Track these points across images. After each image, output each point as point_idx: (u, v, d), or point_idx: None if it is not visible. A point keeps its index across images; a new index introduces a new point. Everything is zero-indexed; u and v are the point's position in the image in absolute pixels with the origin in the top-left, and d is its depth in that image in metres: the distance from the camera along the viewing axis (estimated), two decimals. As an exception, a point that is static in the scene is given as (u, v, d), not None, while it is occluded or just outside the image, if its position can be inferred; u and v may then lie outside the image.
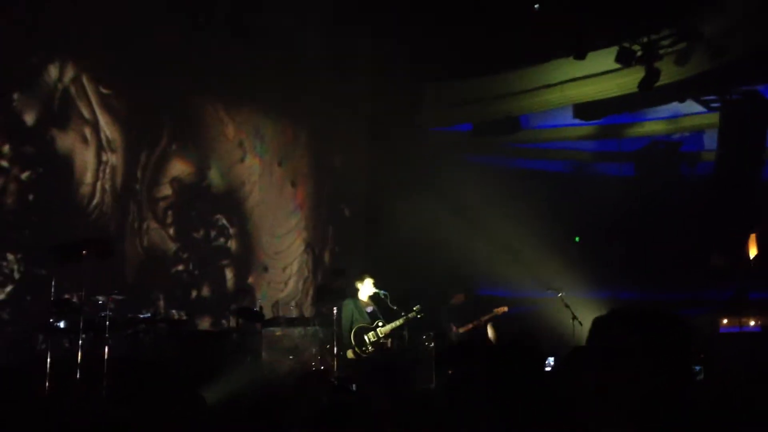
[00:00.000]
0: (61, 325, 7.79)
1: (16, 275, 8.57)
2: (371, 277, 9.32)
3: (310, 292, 12.61)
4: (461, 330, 10.85)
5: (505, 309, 10.87)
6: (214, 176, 11.34)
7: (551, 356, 7.85)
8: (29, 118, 8.88)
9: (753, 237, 13.36)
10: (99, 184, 9.62)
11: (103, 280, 8.35)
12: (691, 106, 12.81)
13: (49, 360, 7.27)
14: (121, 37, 9.86)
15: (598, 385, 2.17)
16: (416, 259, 12.26)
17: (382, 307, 9.30)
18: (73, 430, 5.75)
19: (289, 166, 12.74)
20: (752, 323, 12.71)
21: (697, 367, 8.87)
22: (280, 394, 7.16)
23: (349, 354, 8.96)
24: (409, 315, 9.01)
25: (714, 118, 12.46)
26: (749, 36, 9.98)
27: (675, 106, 12.82)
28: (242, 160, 11.86)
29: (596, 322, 2.24)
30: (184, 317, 9.09)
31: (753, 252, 13.42)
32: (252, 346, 9.48)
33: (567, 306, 10.34)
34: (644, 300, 13.67)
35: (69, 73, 9.35)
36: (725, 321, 12.75)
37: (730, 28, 9.99)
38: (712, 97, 12.36)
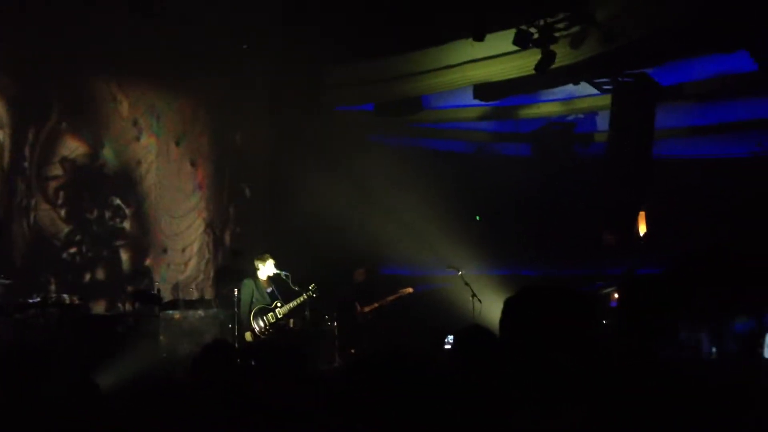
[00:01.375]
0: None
1: None
2: (272, 257, 9.25)
3: (211, 274, 12.39)
4: (366, 309, 10.91)
5: (410, 290, 11.02)
6: (107, 155, 10.96)
7: (450, 335, 7.98)
8: None
9: (642, 215, 13.93)
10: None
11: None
12: (585, 88, 13.17)
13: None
14: (7, 8, 9.36)
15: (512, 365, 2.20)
16: (319, 240, 12.21)
17: (283, 288, 9.26)
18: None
19: (187, 145, 12.43)
20: (641, 297, 13.26)
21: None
22: (179, 377, 7.03)
23: (247, 336, 8.90)
24: (306, 294, 9.01)
25: (606, 99, 12.84)
26: (640, 20, 10.30)
27: (570, 88, 13.15)
28: (138, 138, 11.50)
29: (508, 302, 2.27)
30: (77, 301, 8.79)
31: (642, 229, 14.00)
32: (149, 330, 9.25)
33: (467, 284, 10.54)
34: (543, 276, 14.09)
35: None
36: (616, 295, 13.24)
37: (621, 12, 10.30)
38: (604, 80, 12.73)
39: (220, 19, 11.89)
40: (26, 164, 9.76)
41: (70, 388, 4.88)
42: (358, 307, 10.98)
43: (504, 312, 2.30)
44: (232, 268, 10.83)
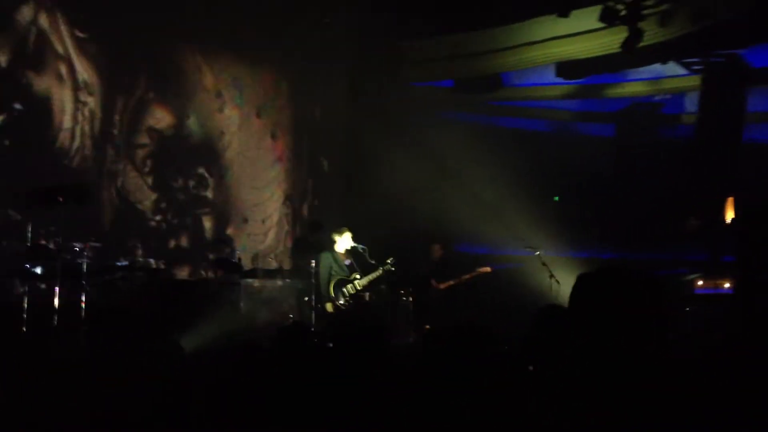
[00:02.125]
0: (38, 270, 7.74)
1: (-8, 220, 8.48)
2: (350, 230, 9.34)
3: (289, 245, 12.60)
4: (442, 286, 10.91)
5: (489, 269, 10.95)
6: (192, 126, 11.22)
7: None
8: (2, 60, 8.69)
9: (730, 201, 13.49)
10: (78, 128, 9.50)
11: (80, 226, 8.29)
12: (673, 68, 12.79)
13: (26, 305, 7.24)
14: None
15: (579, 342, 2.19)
16: (395, 214, 12.26)
17: (359, 261, 9.34)
18: (50, 374, 5.75)
19: (268, 118, 12.64)
20: (726, 285, 12.89)
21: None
22: (258, 344, 7.20)
23: (328, 307, 9.01)
24: (383, 268, 9.07)
25: (696, 80, 12.46)
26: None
27: (657, 68, 12.78)
28: (221, 110, 11.74)
29: (580, 279, 2.25)
30: (162, 266, 9.07)
31: (729, 216, 13.56)
32: (230, 297, 9.49)
33: (544, 264, 10.42)
34: (622, 259, 13.81)
35: (43, 15, 9.14)
36: (701, 282, 12.92)
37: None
38: (694, 60, 12.34)
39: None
40: (115, 131, 10.07)
41: (156, 348, 5.05)
42: (434, 283, 10.99)
43: (576, 286, 2.29)
44: (309, 240, 10.99)
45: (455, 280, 10.92)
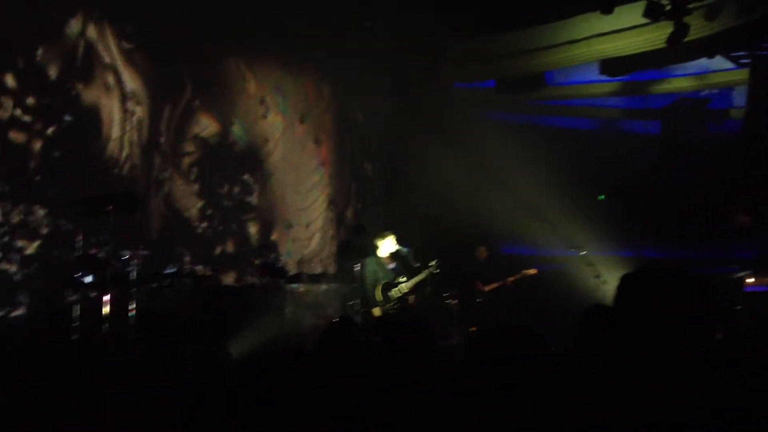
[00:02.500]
0: (88, 279, 7.89)
1: (44, 230, 8.67)
2: (393, 234, 9.35)
3: (334, 249, 12.66)
4: (487, 288, 10.88)
5: (535, 271, 10.91)
6: (237, 132, 11.35)
7: None
8: (53, 72, 8.89)
9: (781, 196, 13.18)
10: (126, 137, 9.68)
11: (128, 235, 8.44)
12: (719, 62, 12.57)
13: (76, 314, 7.39)
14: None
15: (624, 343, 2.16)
16: (439, 217, 12.26)
17: (404, 265, 9.35)
18: (101, 379, 5.88)
19: (311, 123, 12.73)
20: (778, 283, 12.59)
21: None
22: (304, 348, 7.26)
23: (376, 311, 9.02)
24: (427, 270, 9.06)
25: (743, 74, 12.23)
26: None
27: (703, 62, 12.58)
28: (264, 116, 11.86)
29: (625, 279, 2.23)
30: (209, 273, 9.18)
31: (780, 211, 13.24)
32: (275, 302, 9.57)
33: (590, 264, 10.31)
34: (668, 258, 13.60)
35: (91, 27, 9.34)
36: (750, 280, 12.65)
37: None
38: (742, 53, 12.11)
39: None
40: (162, 139, 10.22)
41: (203, 353, 5.12)
42: (479, 285, 10.96)
43: (619, 288, 2.27)
44: (354, 244, 11.03)
45: (500, 283, 10.89)
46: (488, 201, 12.97)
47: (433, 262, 9.09)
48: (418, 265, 9.13)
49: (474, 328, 10.54)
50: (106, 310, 7.46)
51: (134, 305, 7.78)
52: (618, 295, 2.23)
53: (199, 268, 9.24)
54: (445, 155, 12.41)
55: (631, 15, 10.66)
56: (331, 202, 12.97)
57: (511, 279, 10.89)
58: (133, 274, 7.92)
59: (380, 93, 13.70)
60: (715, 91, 14.08)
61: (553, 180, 12.55)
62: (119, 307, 7.86)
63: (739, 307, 10.74)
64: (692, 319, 2.10)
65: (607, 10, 10.34)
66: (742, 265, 12.81)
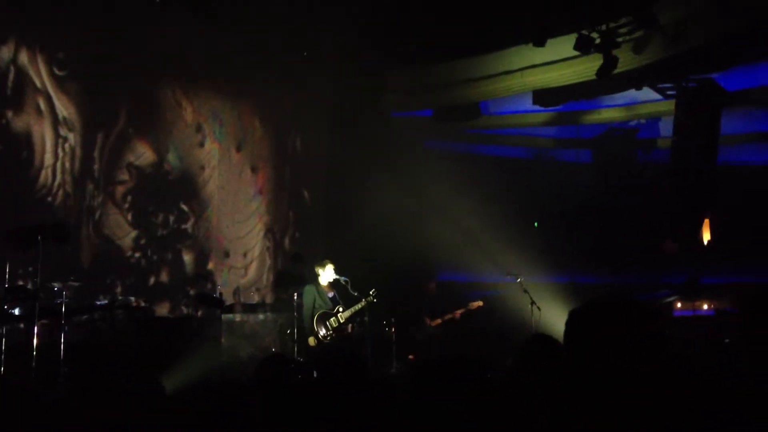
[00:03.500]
0: (16, 312, 7.65)
1: (-30, 261, 8.37)
2: (332, 263, 9.31)
3: (271, 278, 12.55)
4: (433, 323, 10.90)
5: (480, 304, 10.94)
6: (172, 160, 11.19)
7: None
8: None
9: (706, 222, 13.64)
10: (59, 164, 9.46)
11: (58, 265, 8.21)
12: (647, 94, 12.97)
13: (3, 346, 7.13)
14: (76, 16, 9.66)
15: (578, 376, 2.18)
16: (377, 245, 12.27)
17: (342, 294, 9.31)
18: (28, 416, 5.66)
19: (248, 151, 12.64)
20: (705, 307, 12.99)
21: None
22: (240, 379, 7.14)
23: (311, 341, 8.96)
24: (366, 299, 9.04)
25: (670, 105, 12.62)
26: (705, 25, 10.10)
27: (632, 93, 12.96)
28: (201, 144, 11.74)
29: (572, 315, 2.25)
30: (143, 304, 8.99)
31: (706, 237, 13.71)
32: (211, 333, 9.41)
33: (526, 291, 10.43)
34: (601, 284, 13.89)
35: (22, 54, 9.14)
36: (679, 305, 13.03)
37: (686, 17, 10.10)
38: (668, 85, 12.51)
39: (281, 26, 12.06)
40: (95, 167, 10.03)
41: (136, 387, 4.98)
42: (427, 321, 10.97)
43: (568, 323, 2.29)
44: (291, 273, 10.97)
45: (448, 316, 10.94)
46: (426, 228, 13.06)
47: (372, 292, 9.07)
48: (357, 294, 9.10)
49: (412, 357, 10.56)
50: (35, 342, 7.23)
51: (64, 338, 7.57)
52: (568, 332, 2.24)
53: (132, 299, 9.02)
54: (383, 183, 12.46)
55: (562, 47, 10.93)
56: (269, 231, 12.87)
57: (458, 312, 10.93)
58: (64, 306, 7.71)
59: (319, 122, 13.71)
60: (643, 121, 14.53)
61: (490, 208, 12.73)
62: (49, 339, 7.64)
63: (668, 331, 10.97)
64: (645, 349, 2.14)
65: (540, 42, 10.59)
66: (671, 291, 13.19)
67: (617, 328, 2.16)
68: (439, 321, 10.95)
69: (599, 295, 2.33)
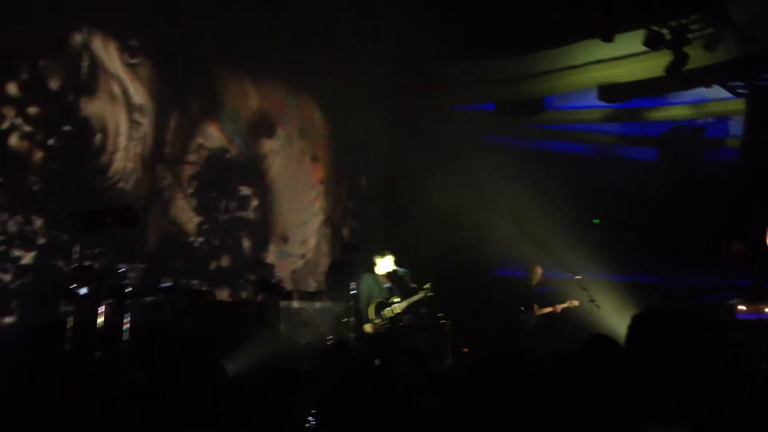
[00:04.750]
0: (83, 291, 7.88)
1: (41, 240, 8.67)
2: (392, 254, 9.36)
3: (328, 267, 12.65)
4: (539, 312, 10.83)
5: (578, 303, 10.84)
6: (238, 147, 11.39)
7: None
8: (54, 84, 8.93)
9: (774, 225, 13.27)
10: (130, 150, 9.72)
11: (125, 247, 8.44)
12: (717, 92, 12.66)
13: (70, 325, 7.37)
14: (147, 5, 9.88)
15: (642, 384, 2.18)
16: (436, 237, 12.27)
17: (400, 285, 9.36)
18: (94, 394, 5.85)
19: (309, 140, 12.77)
20: (768, 310, 12.66)
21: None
22: (299, 366, 7.25)
23: (367, 328, 9.04)
24: (422, 292, 9.06)
25: (740, 104, 12.31)
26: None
27: (700, 91, 12.66)
28: (265, 132, 11.90)
29: (636, 319, 2.25)
30: (204, 288, 9.17)
31: (774, 240, 13.34)
32: (270, 319, 9.56)
33: (585, 289, 10.34)
34: (663, 284, 13.65)
35: (96, 42, 9.40)
36: (743, 307, 12.72)
37: (759, 14, 9.84)
38: (739, 83, 12.20)
39: (344, 17, 12.14)
40: (166, 150, 10.29)
41: (198, 369, 5.11)
42: (536, 308, 10.88)
43: (632, 327, 2.29)
44: (344, 262, 11.07)
45: (552, 308, 10.86)
46: (485, 223, 13.00)
47: (429, 284, 9.09)
48: (414, 286, 9.14)
49: (466, 350, 10.56)
50: (100, 322, 7.45)
51: (129, 319, 7.78)
52: (631, 337, 2.24)
53: (194, 282, 9.21)
54: (444, 176, 12.44)
55: (630, 43, 10.73)
56: (327, 219, 12.98)
57: (560, 306, 10.85)
58: (129, 287, 7.92)
59: (380, 113, 13.74)
60: (711, 119, 14.18)
61: (551, 203, 12.61)
62: (114, 319, 7.86)
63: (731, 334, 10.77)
64: (699, 362, 2.12)
65: (608, 38, 10.41)
66: (735, 293, 12.88)
67: (680, 337, 2.15)
68: (546, 310, 10.87)
69: (664, 301, 2.32)
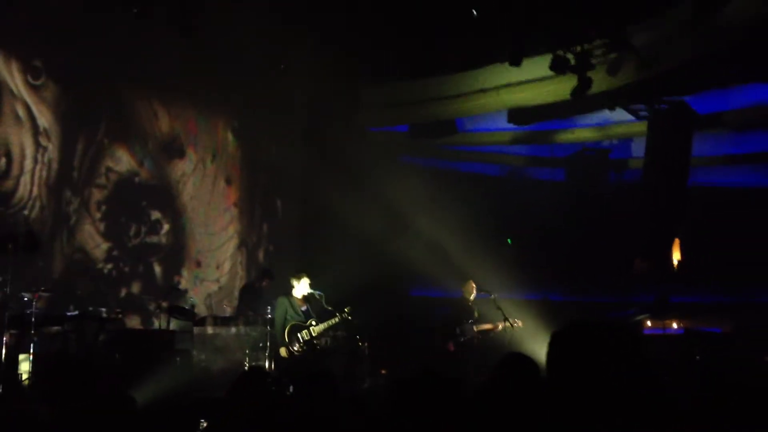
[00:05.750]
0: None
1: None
2: (308, 276, 9.28)
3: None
4: (477, 329, 10.57)
5: (522, 324, 10.45)
6: (148, 171, 11.14)
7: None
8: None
9: (677, 242, 13.83)
10: (35, 175, 9.38)
11: (29, 275, 8.12)
12: (620, 114, 13.12)
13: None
14: (52, 25, 9.60)
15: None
16: (350, 259, 12.25)
17: (316, 307, 9.29)
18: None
19: (222, 162, 12.60)
20: (675, 326, 13.15)
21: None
22: (211, 394, 7.09)
23: (282, 352, 8.93)
24: (340, 315, 9.00)
25: (642, 126, 12.78)
26: (678, 48, 10.27)
27: (605, 114, 13.11)
28: (176, 154, 11.69)
29: (555, 337, 2.28)
30: (113, 315, 8.89)
31: (676, 257, 13.89)
32: (183, 345, 9.34)
33: (499, 308, 10.44)
34: (572, 302, 14.00)
35: (-1, 62, 9.08)
36: (649, 323, 13.17)
37: (659, 39, 10.27)
38: (641, 106, 12.68)
39: (257, 38, 12.08)
40: (74, 174, 9.98)
41: (107, 400, 4.94)
42: (471, 326, 10.52)
43: (551, 345, 2.31)
44: (255, 287, 10.96)
45: (492, 326, 10.53)
46: (399, 243, 13.06)
47: (348, 308, 9.05)
48: (330, 308, 9.08)
49: (384, 371, 10.54)
50: (3, 352, 7.14)
51: (34, 349, 7.48)
52: (551, 355, 2.27)
53: (103, 310, 8.92)
54: (358, 198, 12.47)
55: (538, 67, 11.04)
56: (242, 243, 12.81)
57: (500, 325, 10.40)
58: (33, 317, 7.62)
59: (294, 134, 13.70)
60: (616, 141, 14.70)
61: (464, 224, 12.78)
62: (18, 350, 7.54)
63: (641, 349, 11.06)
64: (625, 369, 2.16)
65: (516, 62, 10.69)
66: (641, 309, 13.31)
67: (601, 351, 2.19)
68: (483, 328, 10.56)
69: (581, 318, 2.36)
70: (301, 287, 9.19)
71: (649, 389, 2.17)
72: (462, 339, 10.36)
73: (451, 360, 10.25)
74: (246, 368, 8.94)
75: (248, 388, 4.36)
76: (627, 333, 2.23)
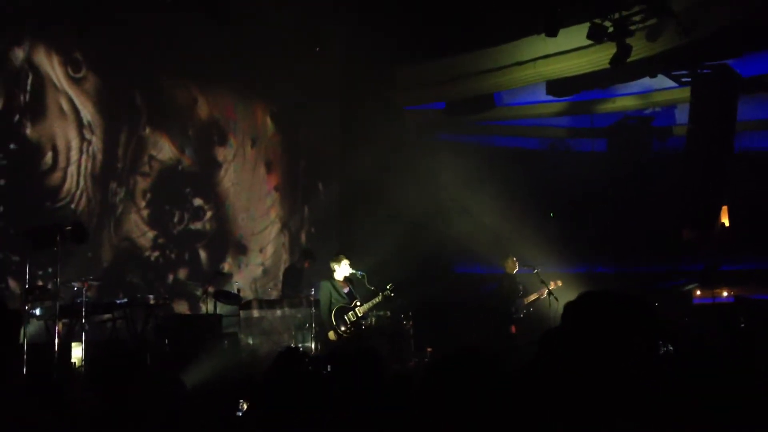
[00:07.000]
0: (37, 312, 7.73)
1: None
2: (347, 258, 9.32)
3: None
4: (526, 301, 10.70)
5: (560, 283, 10.64)
6: (189, 158, 11.27)
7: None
8: (-1, 103, 8.76)
9: (724, 210, 13.57)
10: (81, 168, 9.55)
11: (79, 265, 8.30)
12: (662, 81, 12.87)
13: (25, 347, 7.21)
14: (89, 17, 9.71)
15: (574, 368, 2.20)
16: (392, 238, 12.27)
17: (359, 288, 9.32)
18: (51, 415, 5.72)
19: (262, 147, 12.69)
20: (725, 294, 12.94)
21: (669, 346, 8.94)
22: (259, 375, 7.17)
23: (331, 335, 8.97)
24: (383, 293, 9.01)
25: (685, 92, 12.53)
26: (719, 12, 10.03)
27: (646, 81, 12.87)
28: (217, 140, 11.80)
29: (567, 307, 2.27)
30: (161, 301, 9.04)
31: (724, 224, 13.63)
32: (231, 329, 9.48)
33: (543, 282, 10.41)
34: (619, 273, 13.83)
35: (39, 56, 9.21)
36: (698, 292, 12.97)
37: (699, 3, 10.03)
38: (683, 72, 12.42)
39: (293, 22, 12.10)
40: (119, 165, 10.15)
41: (158, 385, 5.03)
42: (522, 300, 10.69)
43: (564, 316, 2.31)
44: (298, 268, 11.04)
45: (536, 295, 10.67)
46: (440, 221, 13.04)
47: (389, 286, 9.06)
48: (373, 288, 9.10)
49: (430, 349, 10.57)
50: (56, 341, 7.31)
51: (85, 336, 7.66)
52: (564, 324, 2.27)
53: (150, 297, 9.08)
54: (397, 177, 12.46)
55: (575, 37, 10.87)
56: (284, 226, 12.92)
57: (545, 290, 10.44)
58: (84, 305, 7.79)
59: (332, 117, 13.73)
60: (658, 109, 14.42)
61: (505, 199, 12.70)
62: (70, 339, 7.72)
63: (687, 319, 10.94)
64: (634, 340, 2.15)
65: (552, 32, 10.53)
66: (690, 279, 13.10)
67: (610, 321, 2.17)
68: (531, 298, 10.72)
69: (596, 288, 2.34)
70: (342, 269, 9.22)
71: (657, 364, 2.15)
72: (517, 316, 10.50)
73: (513, 340, 10.33)
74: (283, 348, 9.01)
75: (284, 368, 4.40)
76: (641, 303, 2.21)
